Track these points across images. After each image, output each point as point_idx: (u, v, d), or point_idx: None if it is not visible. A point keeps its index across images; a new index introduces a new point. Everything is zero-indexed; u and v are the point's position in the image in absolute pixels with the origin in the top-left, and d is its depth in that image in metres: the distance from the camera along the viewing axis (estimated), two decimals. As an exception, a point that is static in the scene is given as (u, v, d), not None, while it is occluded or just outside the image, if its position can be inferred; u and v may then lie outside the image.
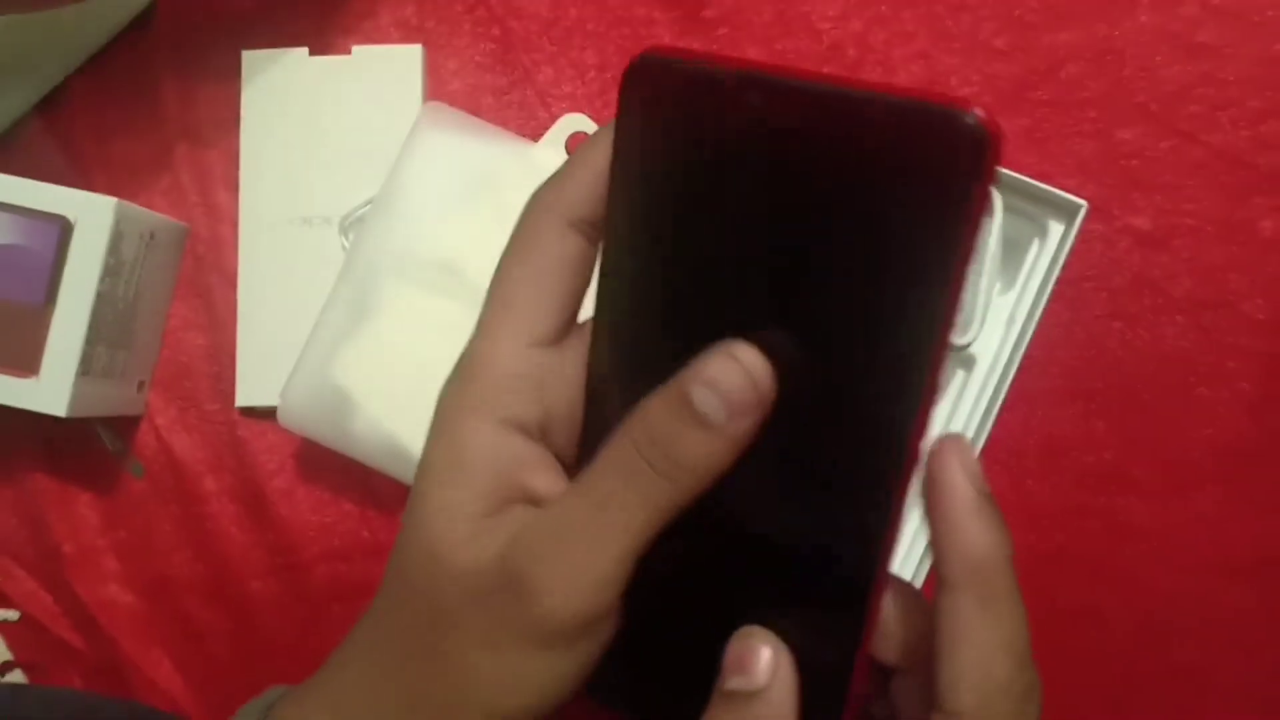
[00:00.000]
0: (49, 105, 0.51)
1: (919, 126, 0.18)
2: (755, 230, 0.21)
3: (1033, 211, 0.45)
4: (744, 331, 0.21)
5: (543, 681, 0.23)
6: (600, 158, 0.24)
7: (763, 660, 0.21)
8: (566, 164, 0.24)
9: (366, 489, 0.49)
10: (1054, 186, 0.44)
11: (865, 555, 0.20)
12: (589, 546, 0.22)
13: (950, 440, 0.20)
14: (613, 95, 0.48)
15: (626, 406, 0.23)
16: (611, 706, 0.25)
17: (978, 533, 0.20)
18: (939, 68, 0.47)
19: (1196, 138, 0.46)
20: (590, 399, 0.25)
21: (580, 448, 0.25)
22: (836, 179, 0.19)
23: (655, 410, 0.22)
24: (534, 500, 0.24)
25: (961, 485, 0.20)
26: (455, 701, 0.24)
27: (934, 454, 0.20)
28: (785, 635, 0.22)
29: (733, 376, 0.21)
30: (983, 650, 0.20)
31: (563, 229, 0.24)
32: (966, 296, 0.22)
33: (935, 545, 0.21)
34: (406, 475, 0.46)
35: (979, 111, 0.17)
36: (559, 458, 0.25)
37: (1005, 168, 0.43)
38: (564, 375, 0.25)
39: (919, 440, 0.20)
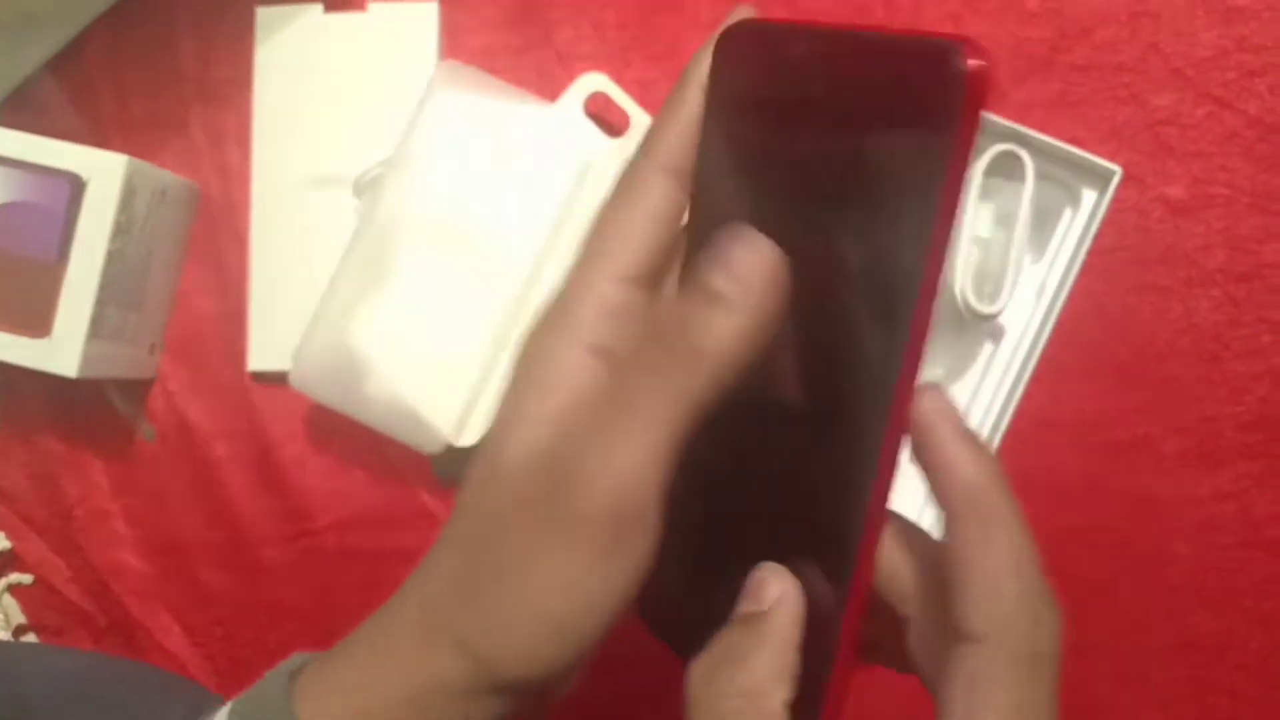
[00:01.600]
0: (62, 62, 0.50)
1: (909, 62, 0.19)
2: (800, 174, 0.22)
3: (1065, 178, 0.44)
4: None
5: (591, 586, 0.23)
6: (690, 106, 0.25)
7: (770, 588, 0.23)
8: (658, 117, 0.25)
9: (379, 456, 0.49)
10: (1087, 153, 0.43)
11: (858, 496, 0.21)
12: (623, 441, 0.22)
13: (928, 388, 0.21)
14: (633, 55, 0.48)
15: None
16: (656, 635, 0.26)
17: (964, 461, 0.21)
18: (969, 29, 0.46)
19: (1232, 105, 0.45)
20: None
21: None
22: (855, 116, 0.21)
23: (674, 301, 0.23)
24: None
25: (941, 422, 0.21)
26: (509, 613, 0.24)
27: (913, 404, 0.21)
28: (799, 574, 0.23)
29: (747, 256, 0.22)
30: (989, 573, 0.20)
31: (659, 176, 0.25)
32: (957, 246, 0.23)
33: (931, 485, 0.21)
34: (421, 442, 0.45)
35: (963, 48, 0.18)
36: None
37: (1037, 131, 0.42)
38: (642, 315, 0.25)
39: (909, 378, 0.20)
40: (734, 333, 0.22)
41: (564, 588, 0.23)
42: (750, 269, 0.22)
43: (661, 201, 0.25)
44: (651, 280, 0.26)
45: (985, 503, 0.21)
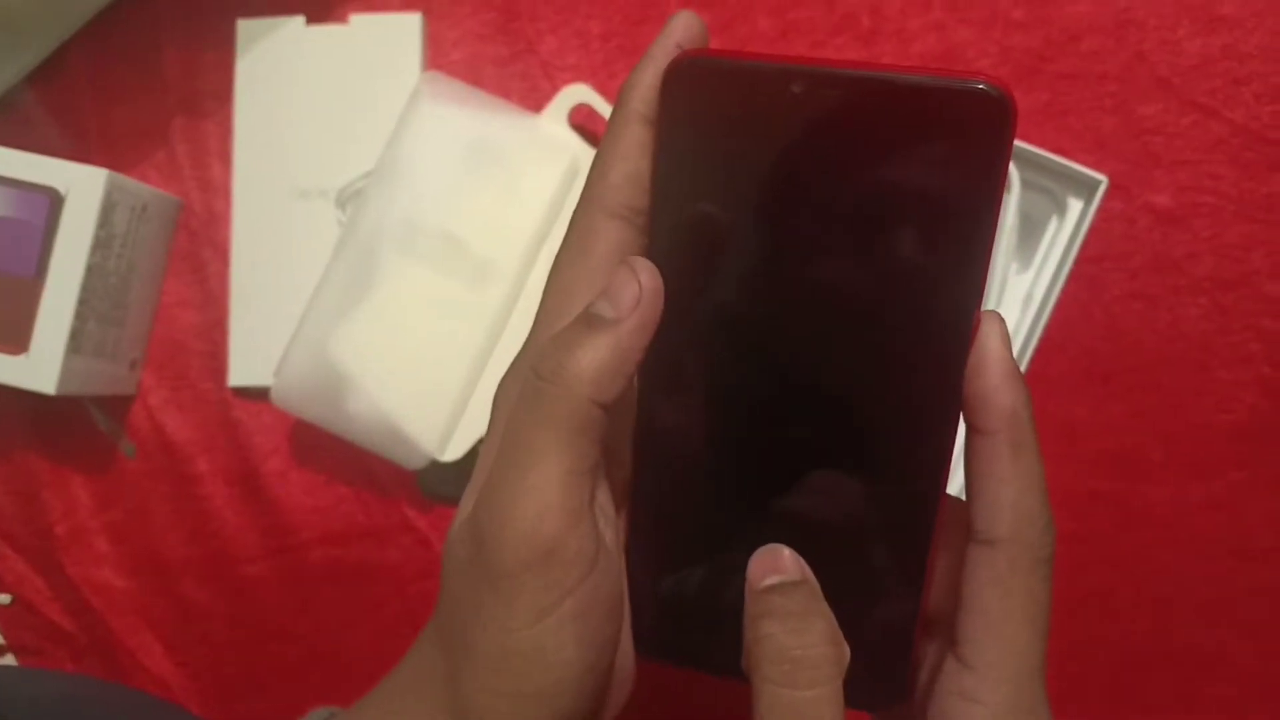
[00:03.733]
0: (42, 75, 0.50)
1: (942, 101, 0.21)
2: (803, 212, 0.22)
3: (1051, 187, 0.44)
4: (798, 307, 0.23)
5: (543, 642, 0.22)
6: (629, 145, 0.24)
7: (788, 556, 0.23)
8: (598, 158, 0.25)
9: (363, 471, 0.48)
10: (1073, 162, 0.43)
11: (920, 512, 0.23)
12: (516, 483, 0.22)
13: (991, 315, 0.23)
14: (618, 66, 0.47)
15: (681, 401, 0.24)
16: (665, 661, 0.26)
17: (1012, 389, 0.22)
18: (955, 39, 0.46)
19: (1218, 113, 0.45)
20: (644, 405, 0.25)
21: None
22: (875, 156, 0.22)
23: (553, 337, 0.23)
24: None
25: (999, 349, 0.22)
26: (483, 692, 0.23)
27: (978, 324, 0.23)
28: (840, 585, 0.24)
29: (619, 279, 0.23)
30: (1016, 486, 0.22)
31: (609, 220, 0.24)
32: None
33: (973, 399, 0.22)
34: (404, 457, 0.45)
35: (995, 84, 0.20)
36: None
37: (1023, 141, 0.42)
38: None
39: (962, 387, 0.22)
40: (608, 351, 0.22)
41: (507, 657, 0.22)
42: (624, 289, 0.22)
43: (613, 248, 0.24)
44: None
45: (1021, 429, 0.22)
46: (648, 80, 0.23)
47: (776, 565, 0.23)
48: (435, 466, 0.45)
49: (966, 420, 0.23)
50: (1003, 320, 0.23)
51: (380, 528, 0.48)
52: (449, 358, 0.45)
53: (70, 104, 0.50)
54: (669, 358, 0.24)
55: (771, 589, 0.23)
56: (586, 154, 0.46)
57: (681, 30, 0.23)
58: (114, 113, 0.50)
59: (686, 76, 0.23)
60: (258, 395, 0.48)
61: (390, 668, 0.27)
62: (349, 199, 0.47)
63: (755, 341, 0.23)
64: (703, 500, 0.25)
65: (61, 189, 0.44)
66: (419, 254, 0.45)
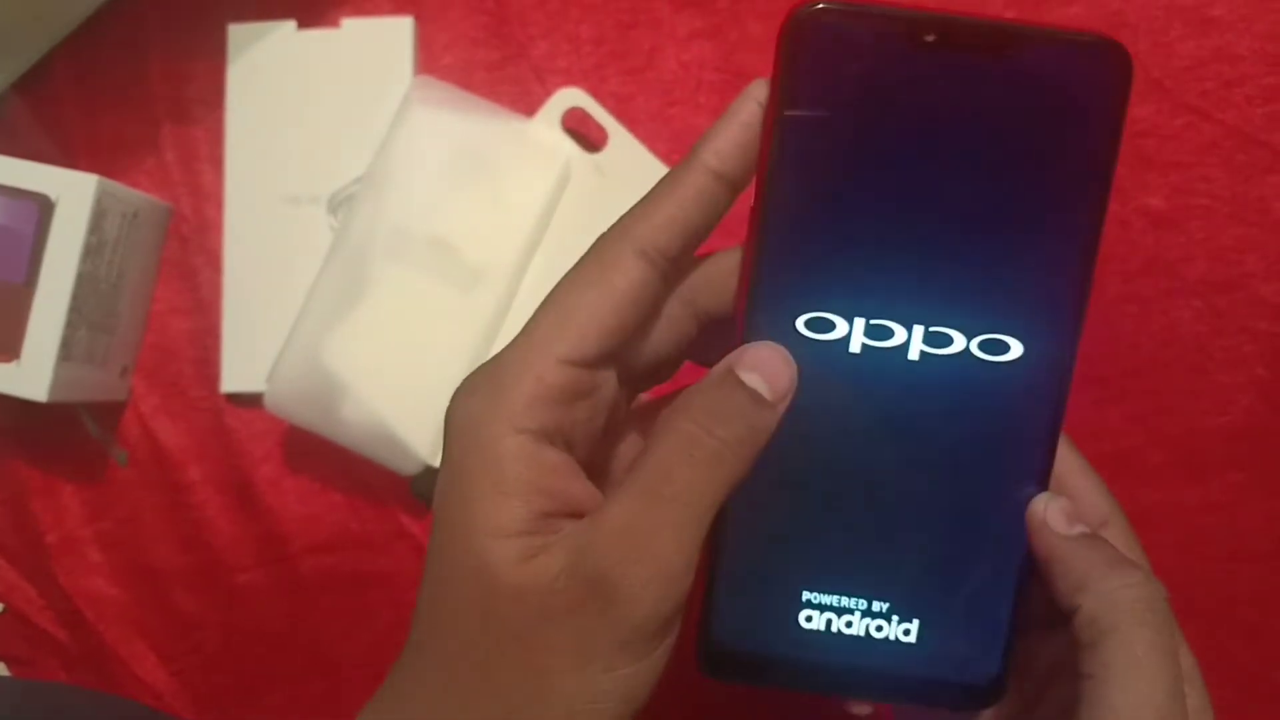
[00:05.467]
0: (29, 81, 0.50)
1: (1073, 54, 0.22)
2: (935, 166, 0.23)
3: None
4: (918, 267, 0.23)
5: (629, 688, 0.23)
6: (689, 192, 0.24)
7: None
8: (652, 194, 0.25)
9: (356, 478, 0.48)
10: (1066, 164, 0.43)
11: (1011, 535, 0.24)
12: (670, 536, 0.22)
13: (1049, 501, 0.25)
14: (610, 70, 0.47)
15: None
16: (729, 681, 0.26)
17: (1100, 493, 0.27)
18: (947, 42, 0.46)
19: (1210, 115, 0.45)
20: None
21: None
22: (1009, 110, 0.22)
23: (710, 386, 0.23)
24: (575, 510, 0.24)
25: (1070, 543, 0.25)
26: None
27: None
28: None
29: (774, 363, 0.23)
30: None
31: (633, 258, 0.24)
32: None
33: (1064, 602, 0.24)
34: (398, 464, 0.45)
35: (1119, 43, 0.22)
36: None
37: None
38: (595, 399, 0.25)
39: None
40: (768, 429, 0.23)
41: (598, 697, 0.22)
42: (778, 371, 0.23)
43: (631, 286, 0.24)
44: (605, 361, 0.24)
45: (1129, 637, 0.23)
46: (730, 136, 0.24)
47: (1067, 515, 0.25)
48: (430, 472, 0.45)
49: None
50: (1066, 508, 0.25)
51: (375, 535, 0.48)
52: (442, 363, 0.45)
53: (59, 111, 0.50)
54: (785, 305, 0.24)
55: (1088, 535, 0.25)
56: (579, 158, 0.46)
57: (761, 90, 0.24)
58: (103, 119, 0.50)
59: (812, 24, 0.22)
60: (250, 402, 0.48)
61: (386, 674, 0.27)
62: (341, 204, 0.47)
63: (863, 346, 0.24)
64: (796, 520, 0.25)
65: (52, 196, 0.43)
66: (411, 259, 0.44)
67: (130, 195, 0.46)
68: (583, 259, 0.25)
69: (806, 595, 0.25)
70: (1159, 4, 0.45)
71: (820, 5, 0.22)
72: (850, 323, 0.23)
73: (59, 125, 0.50)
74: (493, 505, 0.23)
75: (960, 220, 0.22)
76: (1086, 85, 0.22)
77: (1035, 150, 0.22)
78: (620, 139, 0.46)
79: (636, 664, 0.22)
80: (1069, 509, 0.24)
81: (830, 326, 0.23)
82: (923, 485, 0.24)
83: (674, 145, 0.47)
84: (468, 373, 0.44)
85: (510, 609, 0.23)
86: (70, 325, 0.44)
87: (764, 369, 0.23)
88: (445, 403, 0.44)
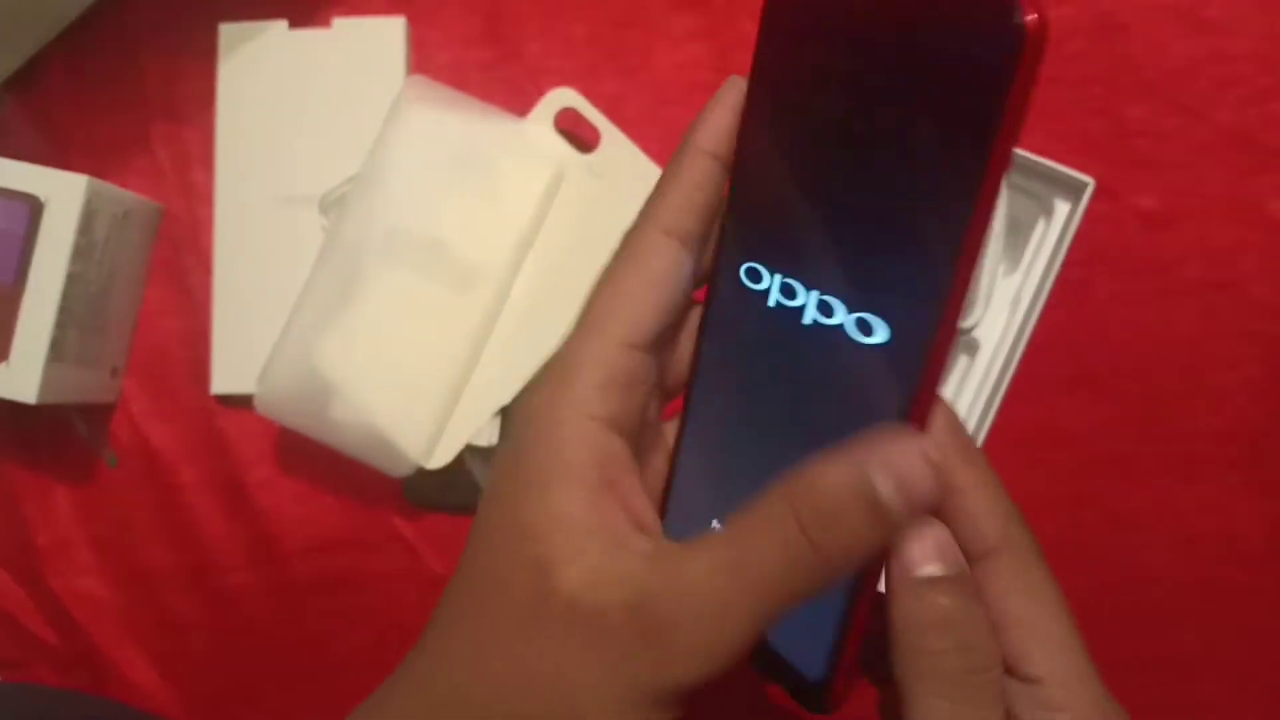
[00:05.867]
0: (20, 81, 0.50)
1: (963, 24, 0.20)
2: (854, 140, 0.22)
3: (1038, 190, 0.43)
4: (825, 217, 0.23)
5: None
6: (693, 174, 0.25)
7: (948, 540, 0.22)
8: (661, 183, 0.25)
9: (349, 479, 0.48)
10: (1060, 164, 0.42)
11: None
12: (743, 616, 0.22)
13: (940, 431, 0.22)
14: (604, 70, 0.47)
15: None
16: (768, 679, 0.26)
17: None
18: (940, 43, 0.46)
19: (1204, 116, 0.45)
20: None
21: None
22: (910, 70, 0.21)
23: (830, 485, 0.21)
24: (628, 504, 0.24)
25: (962, 466, 0.23)
26: None
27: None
28: None
29: (915, 466, 0.21)
30: (983, 493, 0.22)
31: (662, 239, 0.25)
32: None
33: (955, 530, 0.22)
34: (390, 466, 0.44)
35: (1029, 12, 0.19)
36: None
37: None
38: (648, 386, 0.25)
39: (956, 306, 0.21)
40: (881, 544, 0.21)
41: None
42: (922, 490, 0.21)
43: (666, 265, 0.25)
44: (657, 344, 0.25)
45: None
46: (717, 119, 0.24)
47: (940, 551, 0.22)
48: (422, 474, 0.45)
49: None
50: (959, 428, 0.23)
51: (367, 537, 0.48)
52: (435, 364, 0.44)
53: (49, 111, 0.50)
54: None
55: (935, 583, 0.22)
56: (572, 159, 0.46)
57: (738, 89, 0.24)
58: (94, 119, 0.49)
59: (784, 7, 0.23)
60: (242, 403, 0.47)
61: (378, 677, 0.27)
62: (333, 205, 0.46)
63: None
64: (714, 456, 0.25)
65: (41, 196, 0.43)
66: (404, 260, 0.44)
67: (121, 195, 0.46)
68: (616, 252, 0.26)
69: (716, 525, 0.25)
70: (1153, 4, 0.45)
71: None
72: (772, 278, 0.24)
73: (50, 125, 0.50)
74: (557, 492, 0.23)
75: (859, 198, 0.22)
76: (967, 60, 0.20)
77: (921, 128, 0.21)
78: (613, 139, 0.45)
79: (665, 714, 0.22)
80: (931, 545, 0.22)
81: (759, 278, 0.24)
82: (793, 452, 0.23)
83: (667, 146, 0.47)
84: (460, 374, 0.44)
85: (556, 623, 0.22)
86: (60, 326, 0.43)
87: (902, 473, 0.21)
88: (438, 405, 0.44)
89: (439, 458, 0.45)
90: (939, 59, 0.20)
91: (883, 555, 0.22)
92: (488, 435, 0.45)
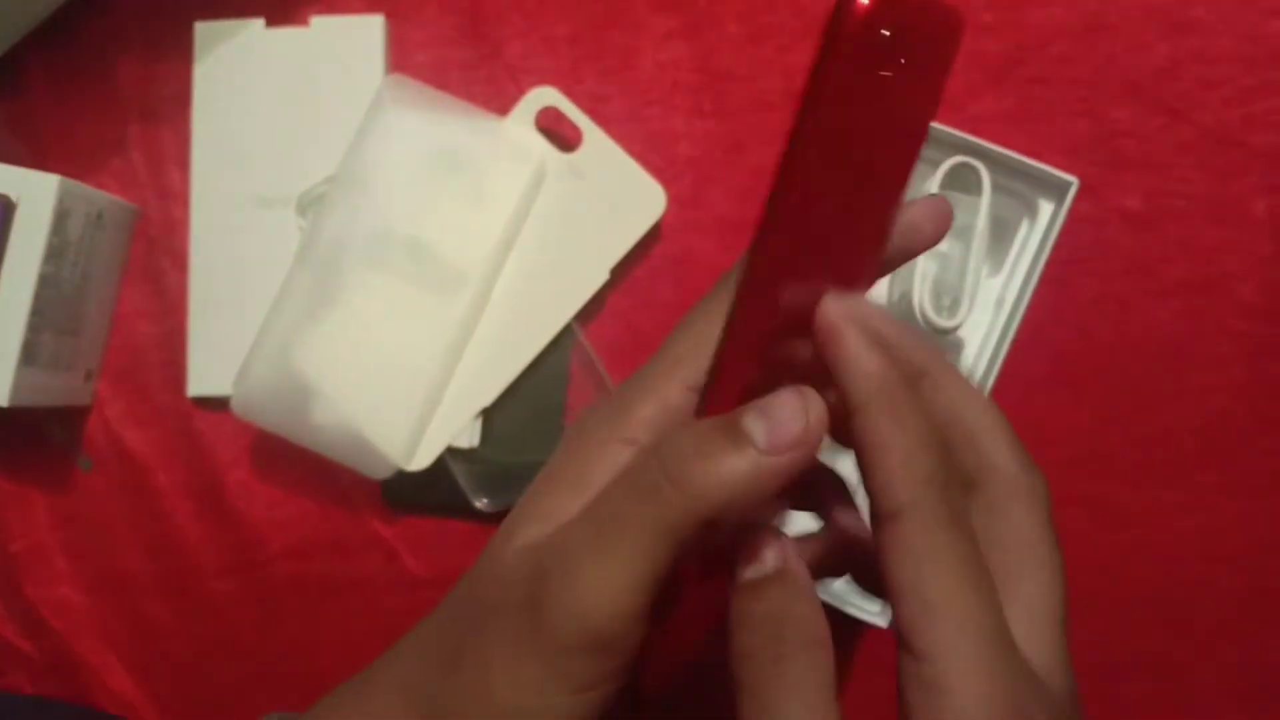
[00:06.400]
0: (-7, 81, 0.49)
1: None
2: None
3: (1022, 190, 0.43)
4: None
5: (559, 709, 0.22)
6: None
7: (770, 550, 0.22)
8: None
9: (328, 482, 0.47)
10: (1044, 164, 0.42)
11: None
12: (597, 567, 0.21)
13: (833, 299, 0.21)
14: (585, 69, 0.47)
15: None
16: None
17: (873, 356, 0.21)
18: (924, 42, 0.46)
19: (1187, 116, 0.45)
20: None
21: None
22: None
23: (691, 428, 0.21)
24: None
25: (846, 324, 0.21)
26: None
27: (823, 314, 0.21)
28: None
29: (787, 406, 0.21)
30: (904, 449, 0.21)
31: None
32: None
33: (839, 380, 0.21)
34: (370, 468, 0.44)
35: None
36: None
37: (993, 144, 0.42)
38: None
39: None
40: (745, 481, 0.21)
41: (528, 711, 0.22)
42: (788, 421, 0.21)
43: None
44: None
45: (895, 396, 0.21)
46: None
47: (753, 554, 0.22)
48: (402, 476, 0.44)
49: (847, 405, 0.21)
50: (855, 299, 0.22)
51: (346, 540, 0.47)
52: (414, 366, 0.44)
53: (23, 110, 0.49)
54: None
55: (751, 583, 0.22)
56: (554, 157, 0.45)
57: None
58: (68, 119, 0.49)
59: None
60: (219, 405, 0.47)
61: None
62: (310, 205, 0.46)
63: None
64: None
65: (13, 196, 0.42)
66: (383, 261, 0.44)
67: (94, 195, 0.45)
68: (716, 285, 0.24)
69: None
70: (1138, 5, 0.45)
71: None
72: None
73: (24, 125, 0.49)
74: (557, 490, 0.23)
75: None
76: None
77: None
78: (595, 139, 0.45)
79: (568, 696, 0.22)
80: (756, 548, 0.22)
81: None
82: None
83: (649, 145, 0.46)
84: (440, 375, 0.44)
85: (496, 585, 0.23)
86: (32, 329, 0.43)
87: (772, 412, 0.21)
88: (417, 406, 0.44)
89: (420, 460, 0.44)
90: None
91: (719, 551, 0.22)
92: (468, 437, 0.45)
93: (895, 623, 0.21)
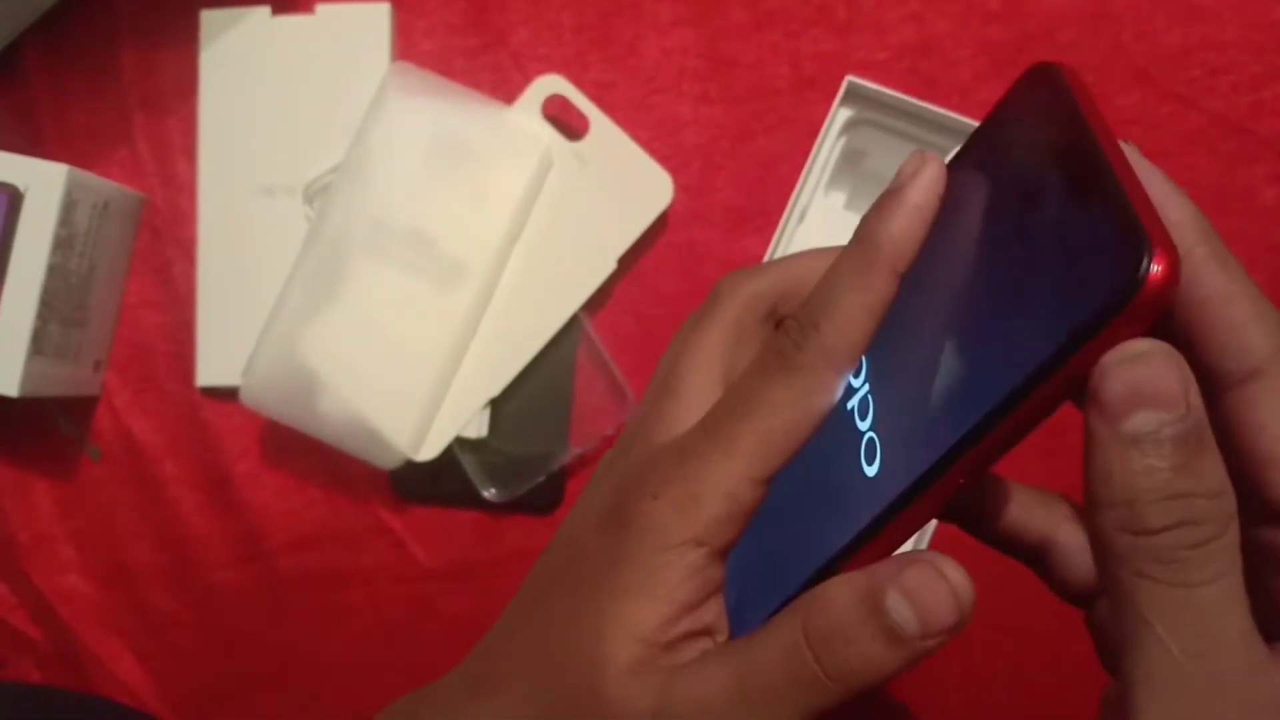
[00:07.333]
0: (1, 71, 0.49)
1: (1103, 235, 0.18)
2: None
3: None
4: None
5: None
6: (876, 299, 0.21)
7: (1174, 370, 0.17)
8: (831, 289, 0.22)
9: (336, 472, 0.47)
10: (1052, 152, 0.42)
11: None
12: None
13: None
14: (591, 57, 0.47)
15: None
16: None
17: (1181, 202, 0.19)
18: (931, 30, 0.46)
19: (1195, 103, 0.45)
20: None
21: None
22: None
23: (839, 604, 0.20)
24: (705, 628, 0.23)
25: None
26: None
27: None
28: None
29: (937, 593, 0.19)
30: (1250, 298, 0.18)
31: (833, 374, 0.22)
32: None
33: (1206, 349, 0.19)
34: (377, 458, 0.44)
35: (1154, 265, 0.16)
36: None
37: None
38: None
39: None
40: (896, 670, 0.20)
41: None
42: (939, 610, 0.20)
43: (819, 400, 0.22)
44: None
45: (1212, 239, 0.19)
46: (910, 229, 0.21)
47: (1156, 391, 0.17)
48: (410, 467, 0.44)
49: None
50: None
51: (354, 530, 0.47)
52: (422, 356, 0.44)
53: (28, 100, 0.49)
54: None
55: (1149, 441, 0.17)
56: (560, 146, 0.45)
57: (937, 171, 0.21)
58: (74, 109, 0.49)
59: (1038, 84, 0.22)
60: (227, 396, 0.47)
61: (366, 674, 0.27)
62: (317, 194, 0.46)
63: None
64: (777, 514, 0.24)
65: (20, 186, 0.42)
66: (389, 251, 0.44)
67: (102, 186, 0.45)
68: (774, 371, 0.23)
69: None
70: (1145, -8, 0.45)
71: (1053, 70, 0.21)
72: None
73: (29, 115, 0.49)
74: (642, 600, 0.22)
75: (931, 325, 0.22)
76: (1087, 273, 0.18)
77: (1030, 291, 0.20)
78: (601, 127, 0.45)
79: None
80: (1142, 383, 0.17)
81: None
82: (808, 546, 0.23)
83: (656, 133, 0.46)
84: (447, 365, 0.44)
85: (591, 711, 0.22)
86: (40, 319, 0.43)
87: (920, 597, 0.19)
88: (425, 397, 0.44)
89: (428, 450, 0.44)
90: (1075, 246, 0.18)
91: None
92: (476, 427, 0.45)
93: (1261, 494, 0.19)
